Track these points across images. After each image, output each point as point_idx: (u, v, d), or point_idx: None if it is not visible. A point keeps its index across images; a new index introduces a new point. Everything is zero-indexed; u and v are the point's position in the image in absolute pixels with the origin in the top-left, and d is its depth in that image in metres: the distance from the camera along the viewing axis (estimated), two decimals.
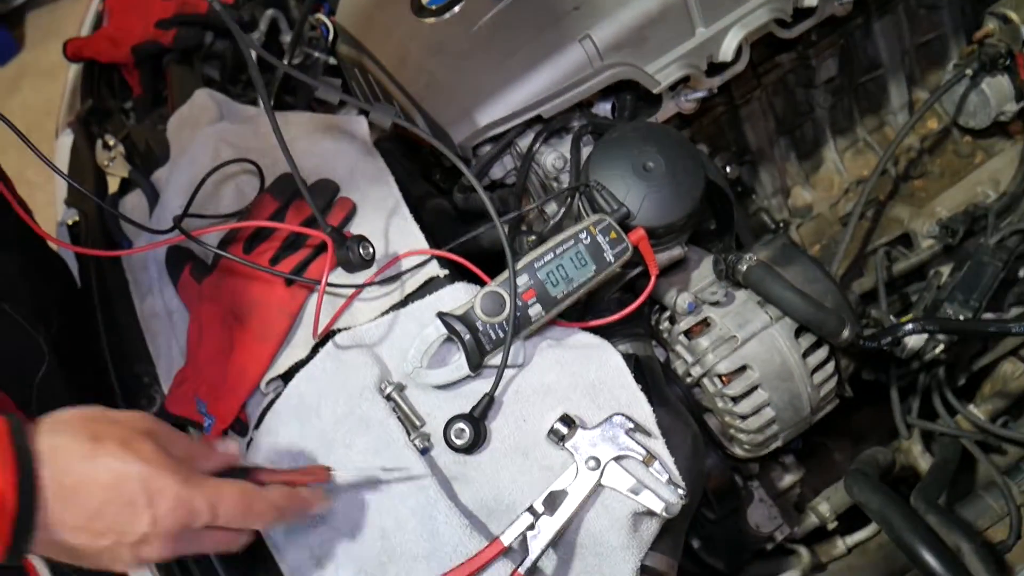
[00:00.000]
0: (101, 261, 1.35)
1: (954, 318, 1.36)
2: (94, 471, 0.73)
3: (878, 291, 1.45)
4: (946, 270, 1.49)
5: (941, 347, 1.36)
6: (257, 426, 1.07)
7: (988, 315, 1.39)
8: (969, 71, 1.52)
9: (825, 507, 1.36)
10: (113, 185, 1.46)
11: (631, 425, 0.94)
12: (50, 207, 1.63)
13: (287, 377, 1.07)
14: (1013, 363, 1.49)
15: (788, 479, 1.37)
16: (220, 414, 1.08)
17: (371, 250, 1.08)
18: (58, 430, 0.74)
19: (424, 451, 0.98)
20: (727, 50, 1.24)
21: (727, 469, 1.20)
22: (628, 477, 0.92)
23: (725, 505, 1.21)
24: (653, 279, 1.06)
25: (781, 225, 1.61)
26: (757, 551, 1.35)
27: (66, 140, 1.57)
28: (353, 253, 1.07)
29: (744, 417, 1.15)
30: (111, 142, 1.44)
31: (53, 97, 1.83)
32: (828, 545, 1.39)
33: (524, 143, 1.19)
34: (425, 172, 1.45)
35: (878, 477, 1.20)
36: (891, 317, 1.41)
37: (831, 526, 1.36)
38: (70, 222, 1.47)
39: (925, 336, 1.34)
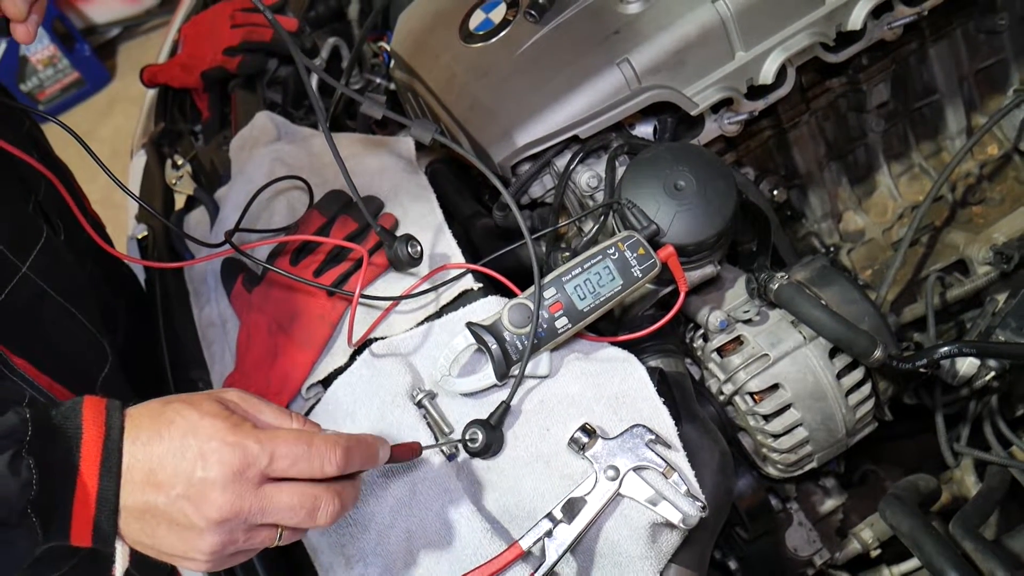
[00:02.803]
0: (164, 272, 1.43)
1: None
2: (157, 426, 0.77)
3: (926, 317, 1.43)
4: (1002, 297, 1.46)
5: (992, 374, 1.33)
6: None
7: None
8: None
9: (868, 533, 1.34)
10: (180, 202, 1.55)
11: (651, 436, 0.96)
12: (131, 221, 1.74)
13: (327, 383, 1.12)
14: None
15: (830, 503, 1.36)
16: None
17: (419, 248, 1.14)
18: (140, 404, 0.79)
19: (451, 457, 1.01)
20: (767, 73, 1.25)
21: (760, 489, 1.20)
22: (647, 487, 0.94)
23: (758, 525, 1.21)
24: (682, 295, 1.08)
25: (831, 249, 1.60)
26: (798, 575, 1.34)
27: (140, 161, 1.67)
28: (402, 251, 1.13)
29: (776, 436, 1.15)
30: (179, 162, 1.53)
31: None
32: (874, 574, 1.36)
33: (561, 163, 1.22)
34: (476, 192, 1.49)
35: (916, 503, 1.18)
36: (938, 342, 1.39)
37: (873, 553, 1.34)
38: (140, 236, 1.56)
39: (977, 362, 1.32)
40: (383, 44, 1.70)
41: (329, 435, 0.81)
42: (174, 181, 1.54)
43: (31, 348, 1.08)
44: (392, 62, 1.57)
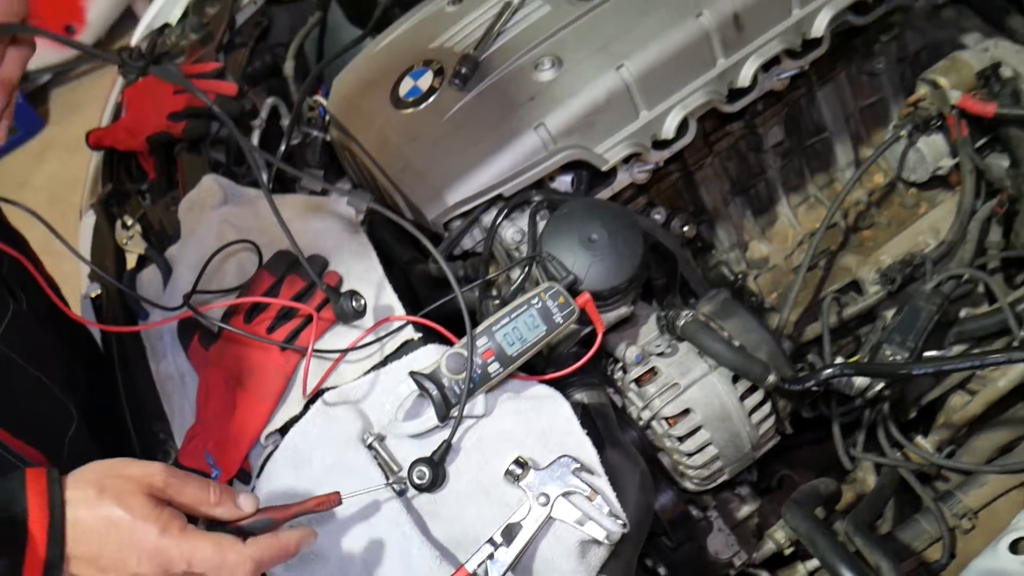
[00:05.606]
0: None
1: (891, 359, 1.49)
2: (94, 519, 0.89)
3: (823, 336, 1.58)
4: (890, 313, 1.63)
5: (881, 384, 1.49)
6: (259, 475, 1.22)
7: (930, 354, 1.52)
8: (904, 132, 1.67)
9: (781, 534, 1.48)
10: (131, 261, 1.63)
11: (577, 465, 1.09)
12: (75, 276, 1.81)
13: (284, 431, 1.23)
14: (960, 396, 1.61)
15: (745, 509, 1.50)
16: (225, 466, 1.23)
17: (363, 302, 1.25)
18: (76, 483, 0.91)
19: (401, 493, 1.13)
20: (669, 128, 1.40)
21: (680, 502, 1.34)
22: (574, 510, 1.07)
23: (680, 534, 1.35)
24: (599, 336, 1.21)
25: (740, 277, 1.75)
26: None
27: (89, 220, 1.75)
28: (347, 306, 1.24)
29: (690, 455, 1.29)
30: (129, 222, 1.62)
31: (77, 170, 2.01)
32: (789, 570, 1.51)
33: (488, 218, 1.35)
34: (414, 238, 1.61)
35: (816, 506, 1.33)
36: (836, 360, 1.55)
37: (787, 551, 1.49)
38: (93, 295, 1.64)
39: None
40: (318, 98, 1.81)
41: (244, 548, 0.93)
42: (125, 241, 1.62)
43: (2, 414, 1.17)
44: (328, 118, 1.68)
